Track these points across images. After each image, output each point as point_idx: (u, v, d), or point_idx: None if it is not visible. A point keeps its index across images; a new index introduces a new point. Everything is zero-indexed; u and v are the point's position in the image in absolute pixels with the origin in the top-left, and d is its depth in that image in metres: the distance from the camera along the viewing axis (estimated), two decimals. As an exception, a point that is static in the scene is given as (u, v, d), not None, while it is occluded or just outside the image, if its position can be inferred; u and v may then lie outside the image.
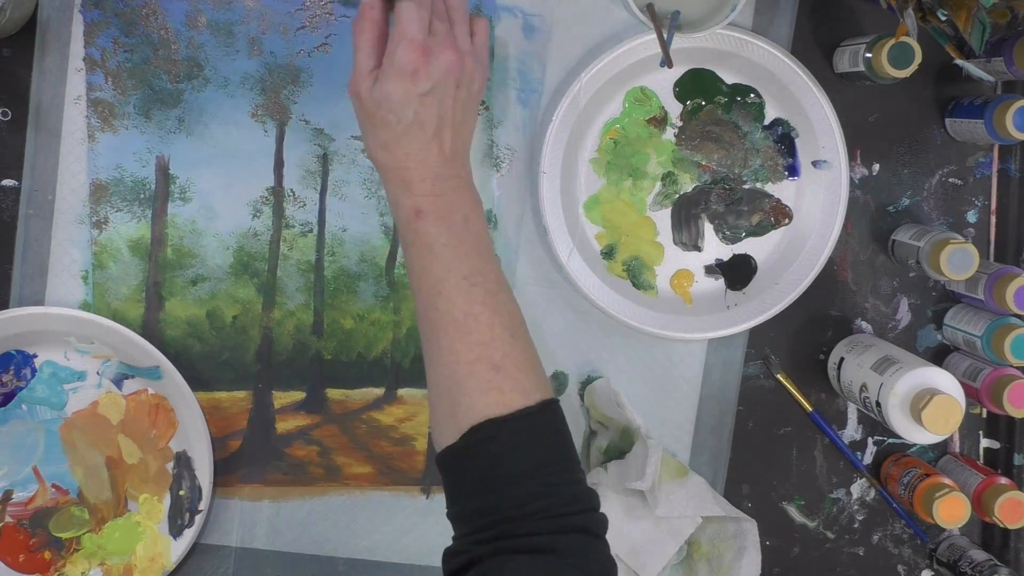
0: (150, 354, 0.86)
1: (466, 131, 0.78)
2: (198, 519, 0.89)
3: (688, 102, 0.91)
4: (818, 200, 0.91)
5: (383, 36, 0.76)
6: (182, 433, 0.89)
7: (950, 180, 0.95)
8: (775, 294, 0.91)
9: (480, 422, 0.70)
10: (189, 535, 0.89)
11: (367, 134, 0.76)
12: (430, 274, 0.74)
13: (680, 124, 0.91)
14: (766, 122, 0.91)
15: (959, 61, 0.84)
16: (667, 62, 0.82)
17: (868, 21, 0.92)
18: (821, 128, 0.90)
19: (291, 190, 0.89)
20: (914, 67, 0.84)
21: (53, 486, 0.89)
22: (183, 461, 0.89)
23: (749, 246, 0.92)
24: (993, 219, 0.95)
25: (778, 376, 0.94)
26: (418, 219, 0.74)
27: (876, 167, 0.94)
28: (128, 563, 0.89)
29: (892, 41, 0.83)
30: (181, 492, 0.89)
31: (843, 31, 0.91)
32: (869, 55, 0.86)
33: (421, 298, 0.75)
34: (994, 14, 0.80)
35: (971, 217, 0.95)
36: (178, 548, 0.89)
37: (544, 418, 0.72)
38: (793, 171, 0.92)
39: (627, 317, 0.90)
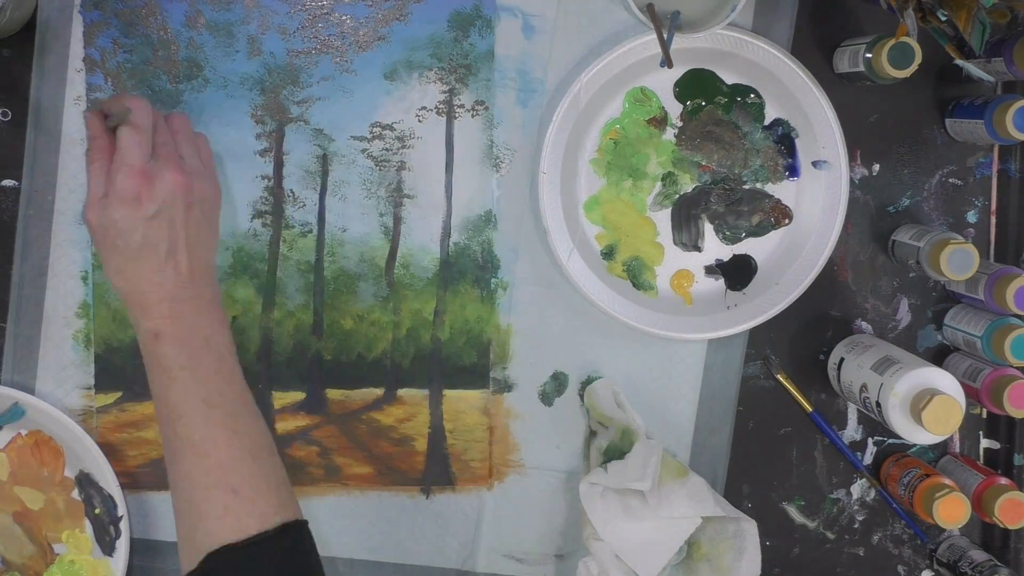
0: (2, 395, 0.85)
1: (204, 249, 0.78)
2: (123, 525, 0.87)
3: (688, 102, 0.91)
4: (818, 200, 0.91)
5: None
6: (70, 454, 0.87)
7: (950, 180, 0.95)
8: (775, 294, 0.91)
9: (217, 548, 0.69)
10: (122, 545, 0.87)
11: (103, 260, 0.76)
12: (169, 398, 0.73)
13: (680, 124, 0.91)
14: (766, 122, 0.91)
15: (959, 61, 0.84)
16: (667, 62, 0.82)
17: (868, 21, 0.92)
18: (821, 128, 0.90)
19: (291, 190, 0.89)
20: (914, 67, 0.84)
21: (-24, 566, 0.87)
22: (84, 481, 0.87)
23: (749, 246, 0.92)
24: (993, 219, 0.95)
25: (778, 376, 0.94)
26: (156, 342, 0.74)
27: (876, 167, 0.94)
28: None
29: (892, 41, 0.83)
30: (96, 511, 0.88)
31: (843, 31, 0.91)
32: (869, 55, 0.86)
33: (161, 422, 0.74)
34: (994, 14, 0.80)
35: (971, 217, 0.95)
36: (117, 563, 0.87)
37: (284, 543, 0.71)
38: (793, 171, 0.92)
39: (627, 317, 0.90)
